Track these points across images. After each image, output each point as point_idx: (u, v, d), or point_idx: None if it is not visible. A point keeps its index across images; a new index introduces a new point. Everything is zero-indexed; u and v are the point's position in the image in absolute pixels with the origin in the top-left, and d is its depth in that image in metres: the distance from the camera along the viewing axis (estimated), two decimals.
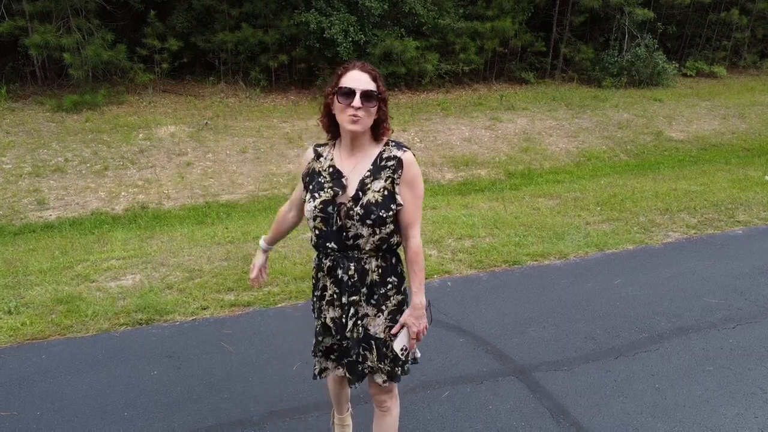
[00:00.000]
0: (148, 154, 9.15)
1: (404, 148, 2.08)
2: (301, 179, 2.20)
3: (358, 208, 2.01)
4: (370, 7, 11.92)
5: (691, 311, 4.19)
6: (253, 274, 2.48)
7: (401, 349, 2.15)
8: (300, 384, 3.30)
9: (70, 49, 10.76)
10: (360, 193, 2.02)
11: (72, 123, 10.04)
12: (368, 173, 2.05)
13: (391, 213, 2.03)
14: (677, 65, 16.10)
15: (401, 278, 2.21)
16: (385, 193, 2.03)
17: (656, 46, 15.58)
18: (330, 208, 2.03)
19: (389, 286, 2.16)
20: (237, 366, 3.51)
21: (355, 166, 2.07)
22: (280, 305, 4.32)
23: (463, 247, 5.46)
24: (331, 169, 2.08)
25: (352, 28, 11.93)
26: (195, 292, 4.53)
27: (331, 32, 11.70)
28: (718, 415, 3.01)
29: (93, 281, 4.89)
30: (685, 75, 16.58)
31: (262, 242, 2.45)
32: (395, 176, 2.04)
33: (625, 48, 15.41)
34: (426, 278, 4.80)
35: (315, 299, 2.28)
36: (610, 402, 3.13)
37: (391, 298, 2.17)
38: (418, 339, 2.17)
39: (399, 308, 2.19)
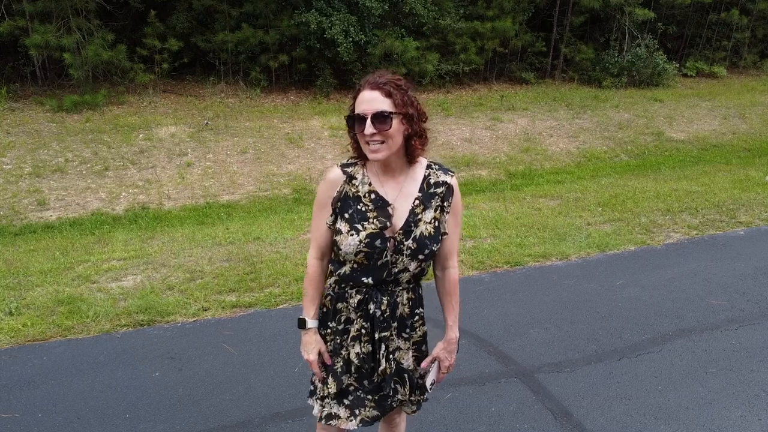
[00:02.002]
0: (148, 154, 9.14)
1: (450, 172, 1.89)
2: (323, 207, 1.86)
3: (410, 242, 1.80)
4: (370, 8, 11.91)
5: (694, 312, 4.18)
6: (315, 364, 1.98)
7: (431, 383, 2.06)
8: (301, 386, 3.28)
9: (70, 49, 10.75)
10: (412, 225, 1.81)
11: (72, 123, 10.03)
12: (417, 201, 1.83)
13: (439, 245, 1.86)
14: (677, 65, 16.09)
15: (424, 308, 2.04)
16: (436, 224, 1.83)
17: (656, 46, 15.58)
18: (378, 242, 1.78)
19: (416, 317, 2.00)
20: (238, 368, 3.50)
21: (399, 192, 1.83)
22: (281, 306, 4.31)
23: (465, 248, 5.45)
24: (372, 195, 1.81)
25: (352, 29, 11.92)
26: (196, 293, 4.52)
27: (331, 32, 11.69)
28: (722, 417, 3.01)
29: (94, 282, 4.88)
30: (685, 75, 16.58)
31: (309, 322, 1.96)
32: (445, 205, 1.85)
33: (625, 48, 15.41)
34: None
35: (332, 334, 1.98)
36: (613, 404, 3.13)
37: (417, 329, 2.02)
38: (447, 372, 2.07)
39: (423, 339, 2.06)
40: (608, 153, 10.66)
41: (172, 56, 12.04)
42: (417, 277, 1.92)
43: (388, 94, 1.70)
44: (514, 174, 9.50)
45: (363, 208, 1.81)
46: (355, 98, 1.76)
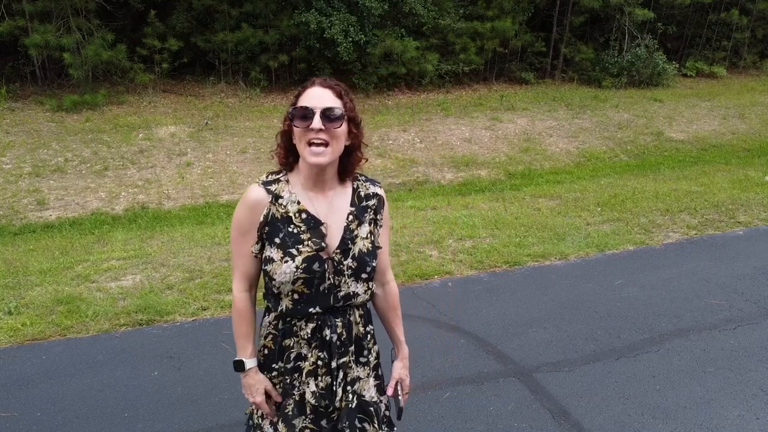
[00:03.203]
0: (148, 154, 9.14)
1: (377, 183, 1.79)
2: (246, 234, 1.65)
3: (349, 261, 1.66)
4: (370, 7, 11.91)
5: (692, 312, 4.19)
6: (265, 405, 1.77)
7: (399, 411, 1.89)
8: None
9: (70, 49, 10.75)
10: (349, 242, 1.67)
11: (72, 123, 10.03)
12: (351, 217, 1.70)
13: (376, 261, 1.73)
14: (677, 65, 16.09)
15: (372, 324, 1.87)
16: (372, 239, 1.72)
17: (656, 46, 15.58)
18: (316, 266, 1.61)
19: (368, 337, 1.82)
20: None
21: (329, 208, 1.68)
22: None
23: (464, 247, 5.45)
24: (303, 215, 1.64)
25: (352, 28, 11.92)
26: (195, 292, 4.52)
27: (331, 32, 11.69)
28: (720, 417, 3.01)
29: (93, 281, 4.88)
30: (685, 75, 16.58)
31: (248, 362, 1.75)
32: (378, 217, 1.75)
33: (625, 48, 15.41)
34: (426, 279, 4.81)
35: (279, 376, 1.76)
36: (611, 403, 3.13)
37: (372, 350, 1.85)
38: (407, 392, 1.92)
39: (378, 360, 1.89)
40: (608, 153, 10.67)
41: (172, 56, 12.04)
42: (367, 300, 1.78)
43: (339, 95, 1.60)
44: (513, 174, 9.50)
45: (295, 230, 1.62)
46: (298, 96, 1.61)
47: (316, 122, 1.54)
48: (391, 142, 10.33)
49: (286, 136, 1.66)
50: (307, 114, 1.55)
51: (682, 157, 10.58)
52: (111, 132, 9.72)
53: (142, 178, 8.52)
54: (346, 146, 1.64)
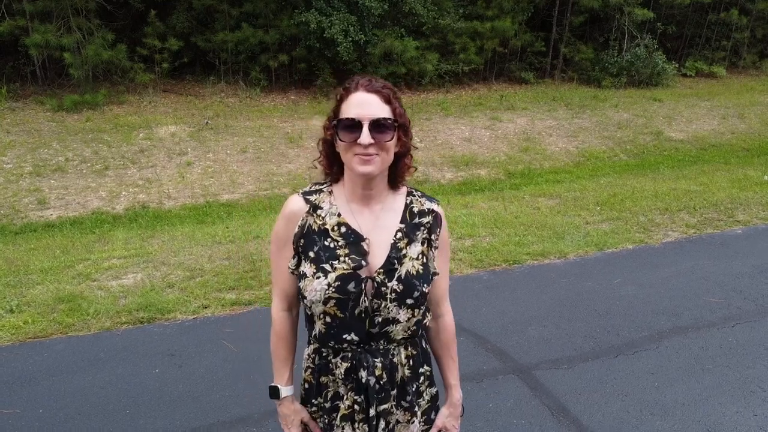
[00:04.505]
0: (148, 153, 9.16)
1: (435, 200, 1.60)
2: (283, 247, 1.53)
3: (394, 284, 1.46)
4: (370, 7, 11.92)
5: (691, 310, 4.21)
6: None
7: None
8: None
9: (71, 49, 10.77)
10: (395, 262, 1.48)
11: (72, 123, 10.05)
12: (400, 234, 1.51)
13: (430, 287, 1.53)
14: (677, 65, 16.11)
15: (431, 364, 1.68)
16: (424, 260, 1.52)
17: (656, 46, 15.60)
18: (351, 286, 1.44)
19: (422, 379, 1.63)
20: (238, 364, 3.52)
21: (375, 223, 1.51)
22: None
23: (464, 246, 5.47)
24: (342, 228, 1.49)
25: (352, 28, 11.93)
26: (196, 291, 4.54)
27: (331, 32, 11.71)
28: (718, 414, 3.03)
29: (94, 280, 4.90)
30: (684, 75, 16.59)
31: (284, 389, 1.65)
32: (432, 238, 1.54)
33: (624, 48, 15.43)
34: None
35: (319, 411, 1.62)
36: (610, 400, 3.15)
37: (424, 394, 1.65)
38: None
39: (433, 405, 1.70)
40: (607, 153, 10.69)
41: (172, 56, 12.05)
42: (414, 331, 1.57)
43: (388, 100, 1.42)
44: (513, 173, 9.52)
45: (331, 244, 1.47)
46: (340, 101, 1.45)
47: (365, 137, 1.38)
48: None
49: (329, 145, 1.50)
50: (354, 126, 1.39)
51: (681, 156, 10.60)
52: (111, 132, 9.74)
53: (143, 177, 8.54)
54: (395, 152, 1.48)
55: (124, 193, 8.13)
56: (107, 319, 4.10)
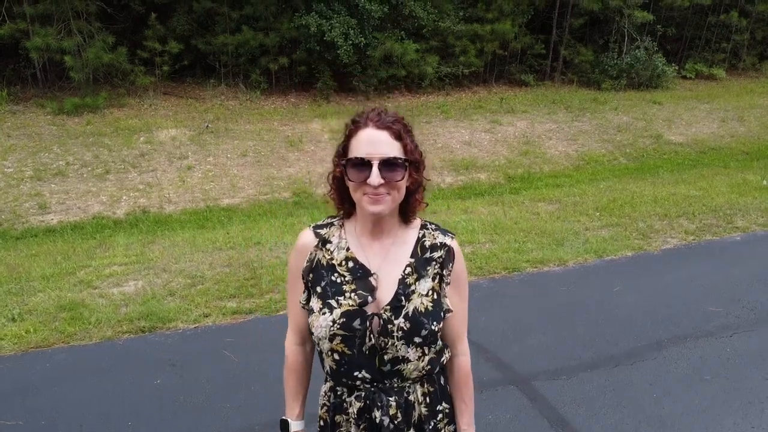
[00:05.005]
0: (149, 157, 9.18)
1: (450, 234, 1.55)
2: (296, 281, 1.52)
3: (401, 321, 1.42)
4: (370, 10, 11.95)
5: (689, 319, 4.23)
6: None
7: None
8: None
9: (71, 52, 10.79)
10: (402, 299, 1.44)
11: (73, 126, 10.07)
12: (409, 269, 1.47)
13: (441, 325, 1.48)
14: (676, 67, 16.13)
15: (450, 401, 1.62)
16: (435, 297, 1.46)
17: (655, 48, 15.62)
18: (356, 323, 1.42)
19: (440, 416, 1.57)
20: (239, 374, 3.54)
21: (385, 258, 1.48)
22: (281, 312, 4.35)
23: (464, 253, 5.48)
24: (350, 263, 1.47)
25: (352, 31, 11.96)
26: (197, 299, 4.56)
27: (331, 35, 11.74)
28: (716, 425, 3.05)
29: (95, 287, 4.92)
30: (684, 77, 16.61)
31: (294, 424, 1.62)
32: (444, 273, 1.49)
33: (624, 50, 15.44)
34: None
35: None
36: (609, 411, 3.17)
37: (443, 431, 1.59)
38: None
39: None
40: (607, 156, 10.71)
41: (173, 59, 12.08)
42: (430, 370, 1.52)
43: (398, 136, 1.38)
44: (513, 177, 9.54)
45: (338, 280, 1.46)
46: (349, 136, 1.42)
47: (375, 177, 1.35)
48: None
49: (339, 181, 1.46)
50: (363, 165, 1.36)
51: (680, 160, 10.63)
52: (112, 135, 9.76)
53: (143, 181, 8.56)
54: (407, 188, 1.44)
55: (124, 197, 8.15)
56: (108, 328, 4.12)
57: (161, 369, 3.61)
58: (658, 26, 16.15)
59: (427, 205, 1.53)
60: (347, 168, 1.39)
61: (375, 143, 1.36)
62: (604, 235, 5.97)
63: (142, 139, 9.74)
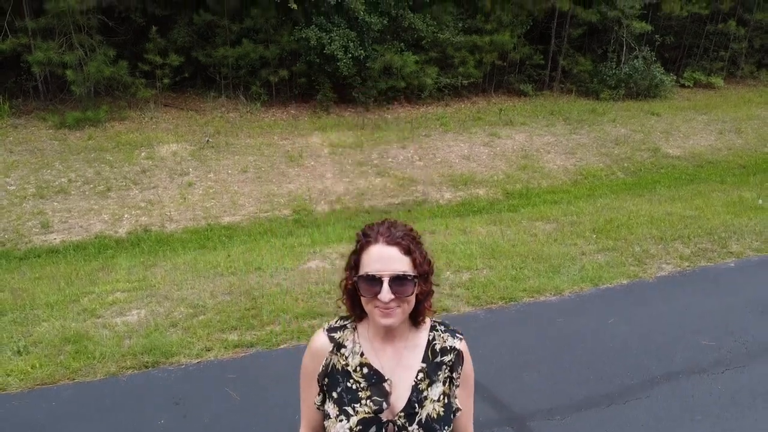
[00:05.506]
0: (150, 174, 9.26)
1: (458, 335, 1.61)
2: (310, 382, 1.59)
3: (414, 428, 1.49)
4: (369, 23, 12.03)
5: (682, 353, 4.31)
6: None
7: None
8: None
9: (73, 66, 10.86)
10: (416, 405, 1.51)
11: (75, 140, 10.14)
12: (421, 375, 1.54)
13: (452, 426, 1.56)
14: (675, 77, 16.22)
15: None
16: (446, 401, 1.55)
17: (654, 58, 15.70)
18: (372, 430, 1.48)
19: None
20: (241, 414, 3.62)
21: (398, 363, 1.54)
22: (282, 346, 4.44)
23: (461, 281, 5.57)
24: (365, 369, 1.53)
25: (352, 44, 12.04)
26: (199, 331, 4.64)
27: (331, 48, 11.81)
28: None
29: (99, 317, 5.00)
30: (682, 86, 16.70)
31: None
32: (454, 375, 1.57)
33: (623, 60, 15.52)
34: None
35: None
36: None
37: None
38: None
39: None
40: (605, 171, 10.80)
41: (173, 71, 12.15)
42: None
43: (408, 251, 1.45)
44: (511, 193, 9.63)
45: (354, 386, 1.52)
46: (360, 251, 1.49)
47: (385, 293, 1.42)
48: (390, 160, 10.45)
49: (350, 291, 1.53)
50: (374, 281, 1.43)
51: (678, 174, 10.72)
52: (113, 150, 9.84)
53: (145, 199, 8.64)
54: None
55: (126, 215, 8.23)
56: (113, 363, 4.20)
57: (165, 408, 3.69)
58: (656, 36, 16.23)
59: (435, 312, 1.61)
60: (359, 283, 1.47)
61: (385, 260, 1.43)
62: (600, 261, 6.05)
63: (143, 154, 9.82)
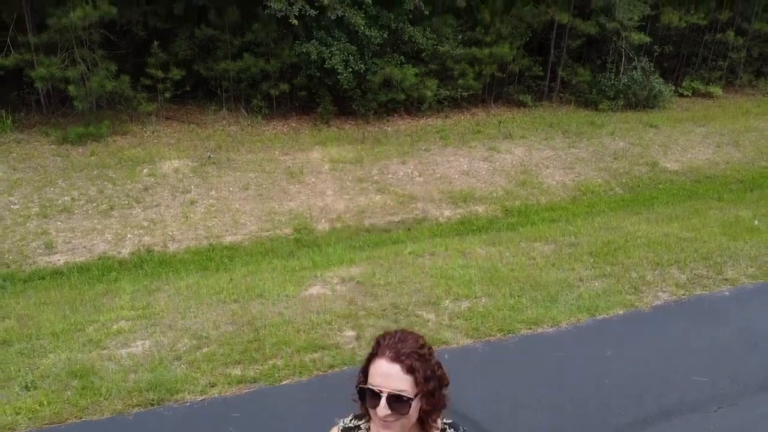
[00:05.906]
0: (152, 191, 9.35)
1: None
2: None
3: None
4: (369, 36, 12.11)
5: (677, 390, 4.41)
6: None
7: None
8: None
9: (75, 81, 10.94)
10: None
11: (77, 156, 10.23)
12: None
13: None
14: (673, 87, 16.30)
15: None
16: None
17: (652, 69, 15.79)
18: None
19: None
20: None
21: None
22: (284, 382, 4.53)
23: (460, 310, 5.67)
24: None
25: (352, 58, 12.12)
26: (203, 365, 4.73)
27: (331, 62, 11.89)
28: None
29: (104, 348, 5.10)
30: (681, 95, 16.78)
31: None
32: None
33: (622, 70, 15.60)
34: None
35: None
36: None
37: None
38: None
39: None
40: (603, 186, 10.89)
41: (175, 84, 12.22)
42: None
43: (410, 370, 1.51)
44: (510, 210, 9.72)
45: None
46: (370, 358, 1.58)
47: (382, 409, 1.50)
48: (390, 176, 10.54)
49: (362, 395, 1.60)
50: (374, 395, 1.51)
51: (676, 190, 10.81)
52: (116, 167, 9.93)
53: (147, 218, 8.73)
54: (421, 412, 1.58)
55: (129, 235, 8.32)
56: (119, 400, 4.29)
57: None
58: (655, 47, 16.30)
59: (443, 419, 1.67)
60: (363, 392, 1.56)
61: (386, 376, 1.51)
62: (597, 289, 6.14)
63: (145, 171, 9.91)
